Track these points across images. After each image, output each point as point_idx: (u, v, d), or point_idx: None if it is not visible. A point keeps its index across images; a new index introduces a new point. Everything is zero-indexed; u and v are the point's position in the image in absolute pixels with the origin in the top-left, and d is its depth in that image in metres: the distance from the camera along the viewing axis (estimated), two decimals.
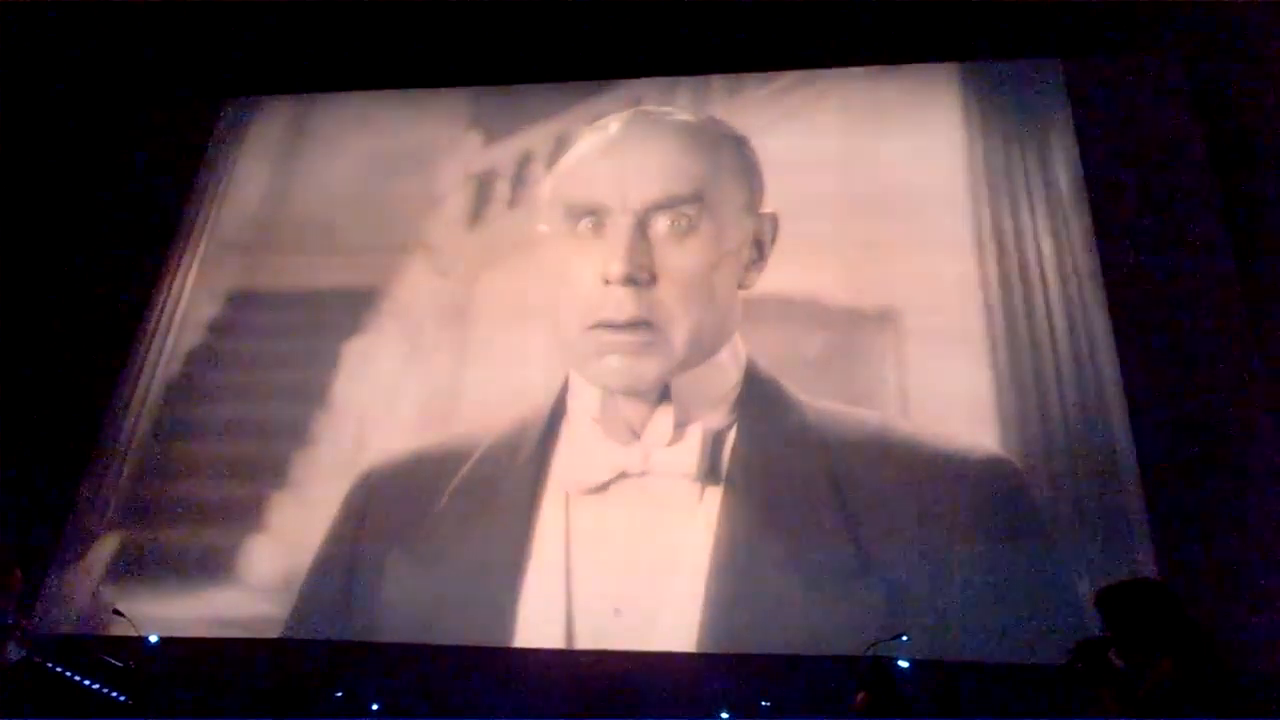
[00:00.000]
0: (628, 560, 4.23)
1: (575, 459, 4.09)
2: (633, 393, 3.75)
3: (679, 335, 3.73)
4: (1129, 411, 5.17)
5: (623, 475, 3.90)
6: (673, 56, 6.34)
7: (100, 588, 5.51)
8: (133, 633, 5.10)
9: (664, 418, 3.67)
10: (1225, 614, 4.53)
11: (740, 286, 3.84)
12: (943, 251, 5.68)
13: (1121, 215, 5.78)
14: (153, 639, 5.12)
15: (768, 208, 4.06)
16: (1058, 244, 5.72)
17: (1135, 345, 5.36)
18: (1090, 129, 6.05)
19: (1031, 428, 5.14)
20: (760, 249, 3.80)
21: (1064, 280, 5.60)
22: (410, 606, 4.64)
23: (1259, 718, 1.93)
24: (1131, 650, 2.06)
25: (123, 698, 4.65)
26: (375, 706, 5.17)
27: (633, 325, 3.65)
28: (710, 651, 4.96)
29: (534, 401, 4.53)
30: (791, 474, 4.02)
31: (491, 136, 5.74)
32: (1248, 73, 5.89)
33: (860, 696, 2.97)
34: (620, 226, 3.75)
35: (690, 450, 3.80)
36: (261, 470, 5.40)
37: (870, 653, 4.28)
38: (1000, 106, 6.27)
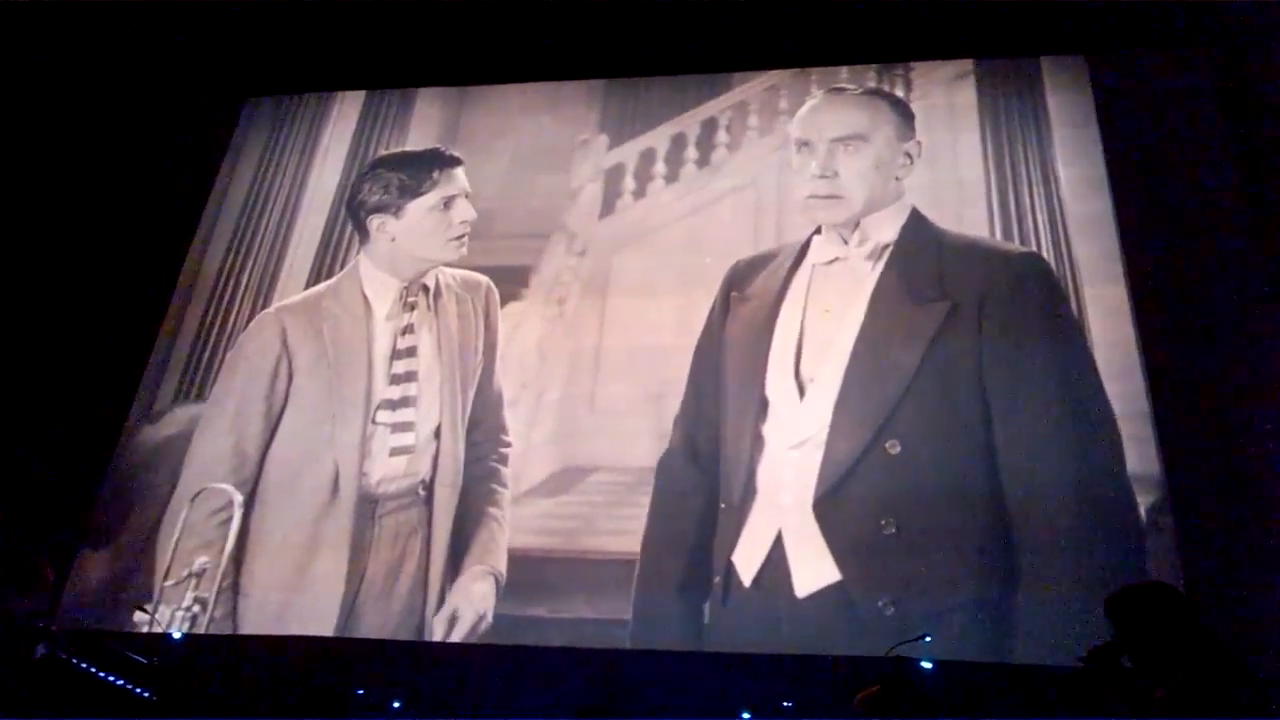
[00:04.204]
0: None
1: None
2: (831, 224, 5.66)
3: (855, 200, 5.62)
4: (1154, 412, 5.12)
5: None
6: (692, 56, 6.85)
7: (124, 583, 5.56)
8: (157, 629, 5.14)
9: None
10: (1251, 619, 4.50)
11: (896, 178, 5.71)
12: None
13: (1147, 214, 5.73)
14: (176, 635, 5.16)
15: None
16: (1081, 243, 5.69)
17: (1160, 345, 5.32)
18: (1115, 127, 6.01)
19: None
20: (910, 157, 5.78)
21: (1088, 281, 5.57)
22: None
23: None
24: (1142, 655, 2.05)
25: (146, 694, 4.68)
26: (396, 704, 5.19)
27: (828, 197, 5.64)
28: (730, 651, 4.97)
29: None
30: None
31: (617, 139, 6.75)
32: (1277, 71, 5.83)
33: (861, 695, 2.81)
34: (820, 150, 5.72)
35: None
36: None
37: (892, 653, 4.27)
38: (1022, 104, 6.24)
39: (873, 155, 5.71)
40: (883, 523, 4.94)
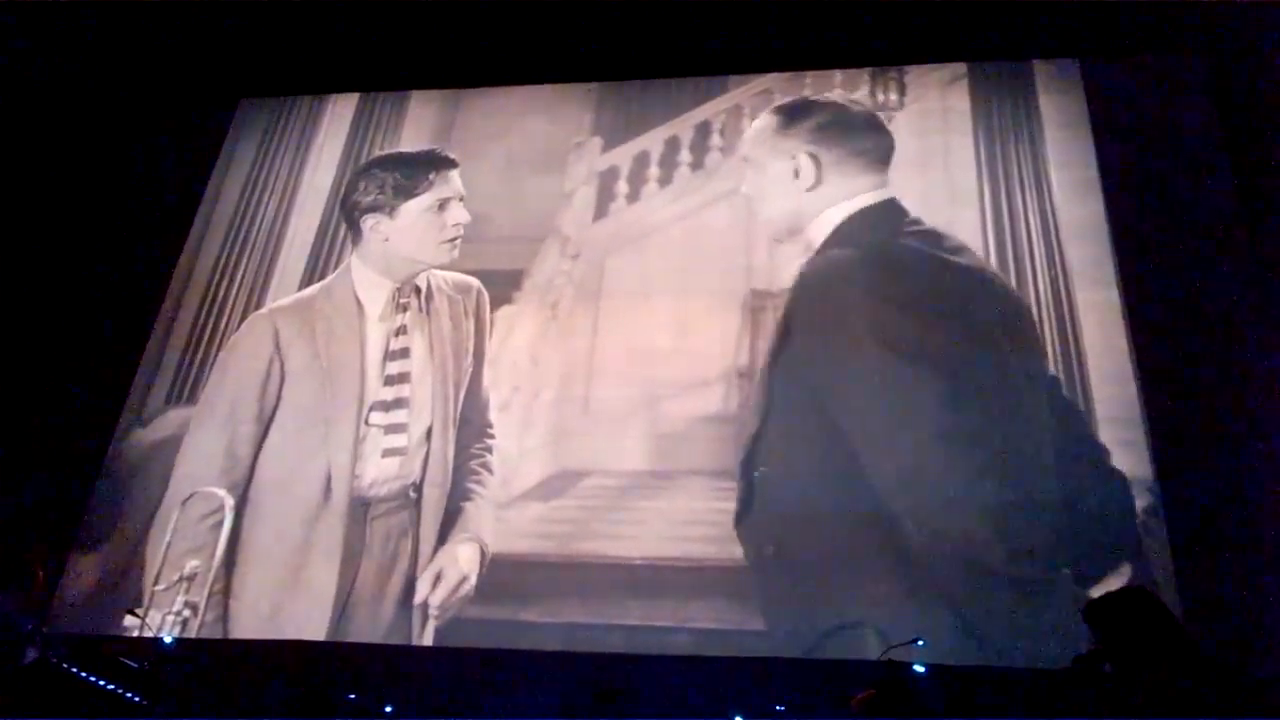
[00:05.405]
0: None
1: None
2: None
3: (766, 214, 5.90)
4: (1146, 416, 5.13)
5: None
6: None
7: (115, 587, 5.53)
8: (148, 633, 5.11)
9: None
10: (1244, 621, 4.51)
11: (806, 191, 5.73)
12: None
13: (1139, 218, 5.74)
14: (167, 639, 5.14)
15: None
16: (1074, 247, 5.69)
17: (1153, 349, 5.33)
18: (1108, 130, 6.02)
19: None
20: (797, 173, 5.75)
21: (1080, 285, 5.57)
22: None
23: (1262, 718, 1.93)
24: (1123, 659, 2.10)
25: (137, 698, 4.65)
26: (388, 709, 5.18)
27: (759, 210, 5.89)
28: (723, 655, 4.97)
29: None
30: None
31: (610, 142, 6.75)
32: (1271, 74, 5.84)
33: (858, 697, 2.86)
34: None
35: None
36: None
37: (886, 656, 4.27)
38: (1015, 108, 6.25)
39: (759, 173, 5.92)
40: (767, 547, 5.10)
